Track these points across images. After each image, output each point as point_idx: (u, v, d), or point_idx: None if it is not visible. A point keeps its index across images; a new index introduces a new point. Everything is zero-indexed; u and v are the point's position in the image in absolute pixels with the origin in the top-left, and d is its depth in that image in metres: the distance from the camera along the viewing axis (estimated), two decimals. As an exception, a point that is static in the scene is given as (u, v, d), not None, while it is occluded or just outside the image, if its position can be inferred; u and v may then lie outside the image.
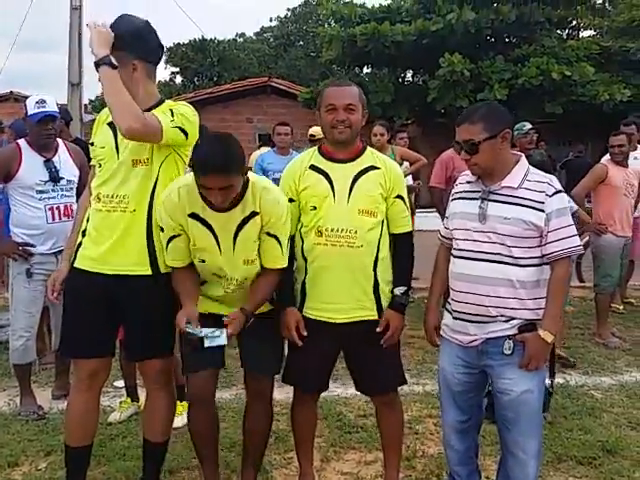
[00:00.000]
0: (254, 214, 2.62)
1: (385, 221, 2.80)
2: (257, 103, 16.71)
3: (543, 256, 2.48)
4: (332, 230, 2.68)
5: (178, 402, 3.80)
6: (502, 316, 2.49)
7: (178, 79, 30.42)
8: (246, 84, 17.04)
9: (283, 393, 4.00)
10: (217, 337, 2.54)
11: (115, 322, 2.80)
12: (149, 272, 2.69)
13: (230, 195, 2.51)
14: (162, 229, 2.66)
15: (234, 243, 2.64)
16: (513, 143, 6.12)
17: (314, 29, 24.15)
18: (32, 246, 3.87)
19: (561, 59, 13.08)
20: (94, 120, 2.92)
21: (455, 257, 2.61)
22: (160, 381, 2.84)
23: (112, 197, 2.67)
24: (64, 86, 12.82)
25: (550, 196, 2.45)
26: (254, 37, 32.89)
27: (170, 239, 2.65)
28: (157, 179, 2.68)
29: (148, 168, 2.67)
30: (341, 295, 2.72)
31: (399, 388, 2.97)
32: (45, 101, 3.89)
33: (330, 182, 2.72)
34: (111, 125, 2.69)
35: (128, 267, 2.68)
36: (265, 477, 3.16)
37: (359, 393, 3.96)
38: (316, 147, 2.86)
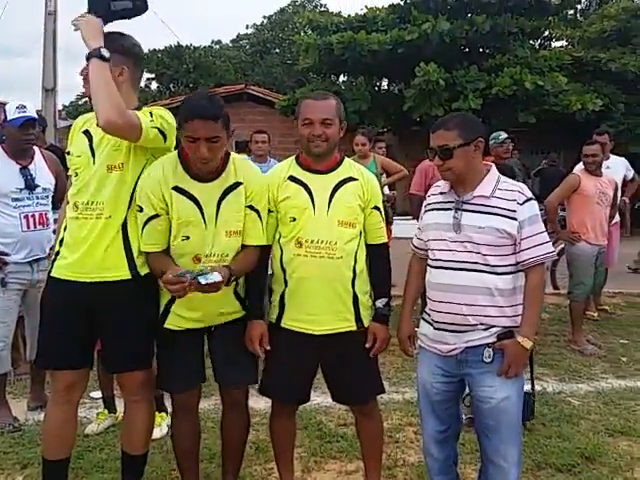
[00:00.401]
0: (237, 184, 2.66)
1: (362, 232, 2.81)
2: (234, 110, 16.61)
3: (517, 263, 2.52)
4: (312, 241, 2.68)
5: (157, 413, 3.77)
6: (481, 324, 2.50)
7: (154, 85, 30.21)
8: (222, 91, 16.98)
9: (262, 402, 4.00)
10: (213, 277, 2.46)
11: (93, 333, 2.75)
12: (128, 276, 2.67)
13: (215, 150, 2.52)
14: (141, 209, 2.62)
15: (217, 213, 2.63)
16: (488, 152, 6.24)
17: (290, 37, 24.22)
18: (6, 255, 3.81)
19: (534, 69, 13.24)
20: (69, 126, 2.92)
21: (432, 267, 2.63)
22: (140, 393, 2.81)
23: (88, 204, 2.65)
24: (36, 91, 12.69)
25: (521, 204, 2.49)
26: (230, 44, 32.83)
27: (148, 220, 2.62)
28: (132, 183, 2.66)
29: (122, 173, 2.65)
30: (321, 306, 2.71)
31: (378, 397, 2.97)
32: (25, 106, 3.86)
33: (310, 193, 2.72)
34: (86, 133, 2.70)
35: (106, 273, 2.65)
36: (246, 488, 3.14)
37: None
38: (293, 157, 2.85)
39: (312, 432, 3.76)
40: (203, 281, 2.44)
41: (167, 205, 2.61)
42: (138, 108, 2.70)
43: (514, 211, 2.48)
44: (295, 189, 2.74)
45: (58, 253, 2.73)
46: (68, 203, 2.76)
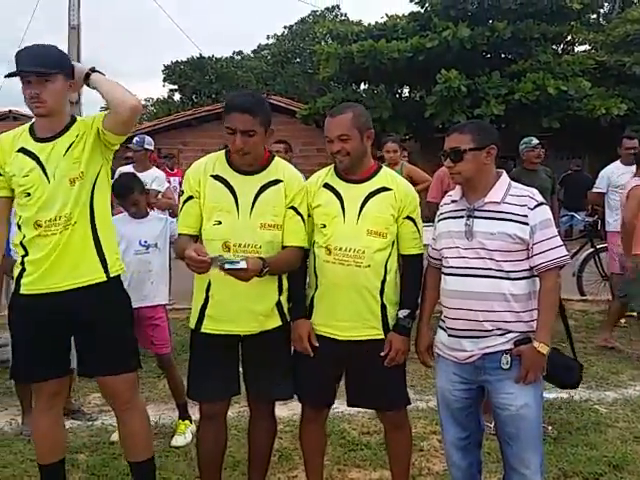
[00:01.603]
0: (277, 181, 2.75)
1: (395, 242, 2.81)
2: (255, 120, 16.77)
3: (531, 268, 2.51)
4: (340, 249, 2.71)
5: (181, 421, 3.80)
6: (498, 330, 2.50)
7: (176, 96, 30.56)
8: (244, 101, 17.11)
9: (286, 410, 4.01)
10: (237, 262, 2.50)
11: (67, 338, 2.77)
12: (104, 278, 2.71)
13: (251, 144, 2.63)
14: (182, 192, 2.82)
15: (253, 206, 2.70)
16: (500, 158, 6.13)
17: (311, 46, 24.33)
18: None
19: (557, 74, 13.17)
20: None
21: (446, 275, 2.63)
22: (129, 400, 2.81)
23: (54, 220, 2.64)
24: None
25: (532, 209, 2.49)
26: (252, 55, 33.05)
27: (185, 201, 2.77)
28: (93, 188, 2.72)
29: (83, 182, 2.69)
30: (348, 313, 2.73)
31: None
32: None
33: (341, 201, 2.75)
34: (25, 152, 2.67)
35: (80, 278, 2.67)
36: (270, 496, 3.14)
37: (362, 410, 4.00)
38: (332, 166, 2.88)
39: (335, 440, 3.75)
40: (227, 267, 2.48)
41: (200, 190, 2.72)
42: (73, 119, 2.76)
43: (525, 216, 2.48)
44: (328, 197, 2.79)
45: (21, 273, 2.70)
46: (20, 223, 2.70)
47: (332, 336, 2.76)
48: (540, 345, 2.45)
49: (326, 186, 2.81)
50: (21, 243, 2.69)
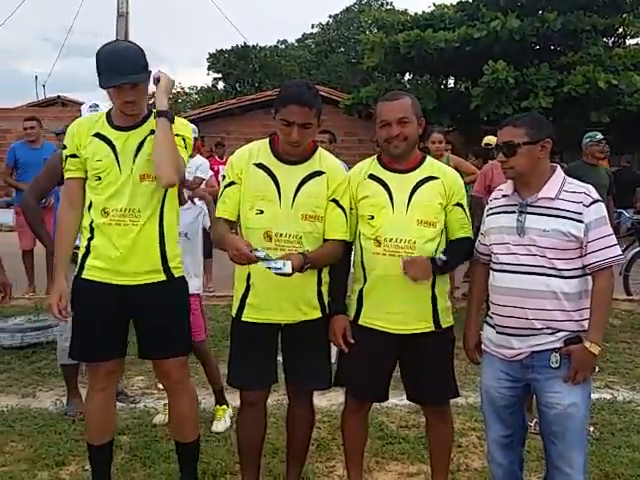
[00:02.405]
0: (320, 173, 2.76)
1: (444, 230, 2.79)
2: (298, 109, 16.78)
3: (584, 267, 2.46)
4: (391, 240, 2.69)
5: (218, 406, 3.84)
6: (548, 328, 2.46)
7: (220, 85, 30.74)
8: (287, 91, 17.12)
9: (324, 400, 4.03)
10: (280, 268, 2.50)
11: (126, 323, 2.85)
12: (164, 278, 2.78)
13: (306, 136, 2.66)
14: (223, 177, 2.86)
15: (295, 197, 2.71)
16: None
17: (355, 35, 24.19)
18: None
19: (607, 67, 12.82)
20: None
21: (496, 271, 2.59)
22: (181, 380, 2.89)
23: (123, 211, 2.71)
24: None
25: (587, 206, 2.43)
26: (296, 44, 33.07)
27: (226, 186, 2.80)
28: (165, 192, 2.77)
29: (155, 183, 2.74)
30: (399, 305, 2.72)
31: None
32: (98, 105, 3.98)
33: (389, 192, 2.74)
34: (100, 137, 2.73)
35: (142, 277, 2.75)
36: (307, 485, 3.16)
37: (400, 403, 4.00)
38: (375, 156, 2.87)
39: (374, 433, 3.75)
40: (273, 271, 2.50)
41: (242, 177, 2.75)
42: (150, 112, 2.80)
43: (580, 213, 2.42)
44: (374, 188, 2.77)
45: (86, 255, 2.78)
46: (89, 206, 2.77)
47: (383, 329, 2.75)
48: (592, 345, 2.40)
49: (372, 177, 2.79)
50: (90, 226, 2.77)
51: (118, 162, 2.72)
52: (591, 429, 3.76)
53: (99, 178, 2.73)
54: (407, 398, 2.98)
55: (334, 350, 2.99)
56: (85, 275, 2.78)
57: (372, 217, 2.74)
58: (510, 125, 2.54)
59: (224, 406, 3.89)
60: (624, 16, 14.60)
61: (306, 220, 2.72)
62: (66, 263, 2.85)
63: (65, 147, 2.82)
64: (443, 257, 2.73)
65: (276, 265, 2.50)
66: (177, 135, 2.77)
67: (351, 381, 2.86)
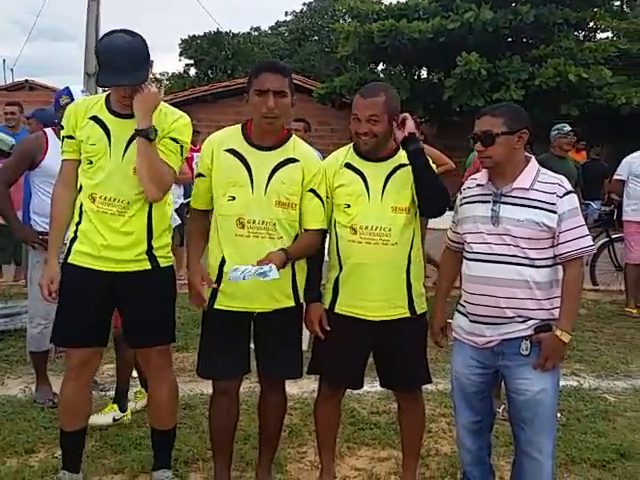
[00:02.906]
0: (293, 160, 2.74)
1: (418, 216, 2.81)
2: (272, 97, 16.71)
3: (556, 256, 2.50)
4: (366, 228, 2.71)
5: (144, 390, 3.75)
6: (519, 317, 2.50)
7: (192, 71, 30.42)
8: (260, 78, 17.00)
9: (295, 388, 4.06)
10: (267, 273, 2.51)
11: (110, 313, 2.85)
12: (148, 267, 2.76)
13: (282, 107, 2.64)
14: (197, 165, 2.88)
15: (268, 183, 2.70)
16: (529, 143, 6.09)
17: (329, 24, 24.12)
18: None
19: (578, 61, 12.98)
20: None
21: (469, 260, 2.63)
22: (163, 368, 2.89)
23: (110, 200, 2.69)
24: (79, 76, 12.91)
25: (561, 197, 2.48)
26: (269, 31, 32.85)
27: (197, 176, 2.83)
28: None
29: None
30: (375, 292, 2.74)
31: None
32: (84, 91, 3.94)
33: (365, 181, 2.75)
34: (96, 120, 2.70)
35: (127, 264, 2.73)
36: (280, 470, 3.18)
37: (372, 390, 4.04)
38: (351, 145, 2.87)
39: (345, 419, 3.77)
40: (260, 278, 2.51)
41: (213, 164, 2.73)
42: None
43: (554, 204, 2.46)
44: (350, 176, 2.78)
45: (74, 240, 2.76)
46: (80, 189, 2.75)
47: (359, 316, 2.77)
48: (562, 334, 2.45)
49: (347, 166, 2.80)
50: (80, 209, 2.74)
51: (110, 148, 2.68)
52: (558, 415, 3.83)
53: (90, 162, 2.70)
54: (380, 384, 3.02)
55: (306, 338, 3.00)
56: (71, 260, 2.76)
57: (348, 205, 2.75)
58: (489, 115, 2.55)
59: (115, 405, 3.74)
60: (595, 10, 14.81)
61: (279, 207, 2.71)
62: (58, 245, 2.82)
63: (62, 128, 2.79)
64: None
65: (262, 271, 2.51)
66: (174, 139, 2.72)
67: (327, 369, 2.87)
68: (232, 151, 2.72)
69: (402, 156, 2.79)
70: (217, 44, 27.93)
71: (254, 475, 3.06)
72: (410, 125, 2.71)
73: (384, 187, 2.73)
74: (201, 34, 28.58)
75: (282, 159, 2.73)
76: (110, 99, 2.74)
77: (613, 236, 7.46)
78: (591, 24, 16.94)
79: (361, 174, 2.76)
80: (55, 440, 3.39)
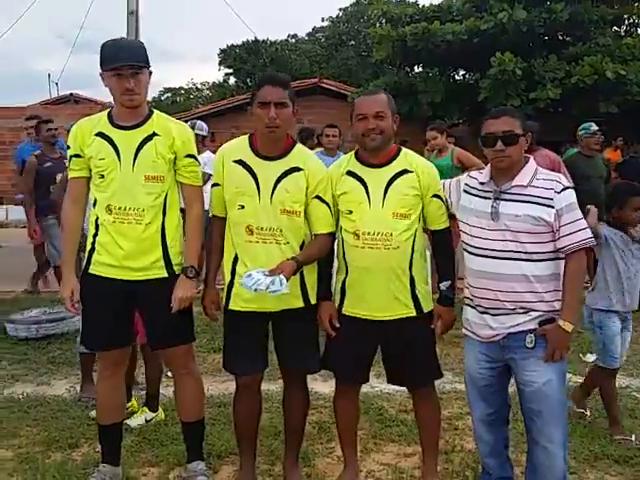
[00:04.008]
0: (297, 169, 2.86)
1: (420, 221, 2.92)
2: (307, 103, 16.86)
3: (557, 250, 2.60)
4: (368, 233, 2.82)
5: (144, 407, 3.89)
6: (520, 308, 2.61)
7: (231, 80, 30.90)
8: (296, 85, 17.20)
9: (327, 387, 4.17)
10: (277, 289, 2.65)
11: (132, 315, 3.03)
12: (165, 274, 2.92)
13: (283, 117, 2.78)
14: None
15: (273, 192, 2.83)
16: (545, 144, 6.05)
17: (366, 28, 24.19)
18: None
19: (616, 57, 12.77)
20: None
21: (469, 253, 2.75)
22: (186, 366, 3.07)
23: (126, 210, 2.84)
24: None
25: (559, 193, 2.59)
26: (306, 38, 33.09)
27: (213, 186, 2.98)
28: (167, 193, 2.91)
29: (161, 185, 2.88)
30: (380, 295, 2.85)
31: (441, 386, 3.08)
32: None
33: (366, 187, 2.86)
34: (103, 136, 2.85)
35: (145, 272, 2.89)
36: (308, 464, 3.31)
37: (400, 389, 4.12)
38: (353, 152, 2.99)
39: (373, 416, 3.90)
40: (271, 294, 2.65)
41: (223, 175, 2.90)
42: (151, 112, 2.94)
43: (551, 199, 2.57)
44: (352, 184, 2.89)
45: (92, 251, 2.92)
46: (94, 203, 2.91)
47: (365, 317, 2.89)
48: (565, 323, 2.55)
49: (349, 173, 2.91)
50: (96, 222, 2.91)
51: (120, 161, 2.83)
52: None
53: (102, 176, 2.85)
54: (388, 381, 3.13)
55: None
56: (92, 270, 2.93)
57: (350, 212, 2.87)
58: (508, 115, 2.67)
59: (145, 408, 3.90)
60: (634, 5, 14.55)
61: (285, 214, 2.85)
62: (73, 259, 3.00)
63: (69, 147, 2.96)
64: (446, 284, 2.92)
65: (273, 288, 2.64)
66: (190, 156, 2.95)
67: (337, 366, 3.01)
68: (240, 162, 2.87)
69: (402, 160, 2.90)
70: (255, 53, 28.30)
71: (282, 468, 3.20)
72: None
73: (385, 194, 2.84)
74: (239, 43, 29.01)
75: (287, 168, 2.86)
76: (112, 113, 2.91)
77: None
78: (630, 20, 16.66)
79: (362, 181, 2.87)
80: (97, 436, 3.58)
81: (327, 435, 3.65)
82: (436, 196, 2.91)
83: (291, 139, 2.95)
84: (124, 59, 2.75)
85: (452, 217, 2.96)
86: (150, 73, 2.89)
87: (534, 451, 2.67)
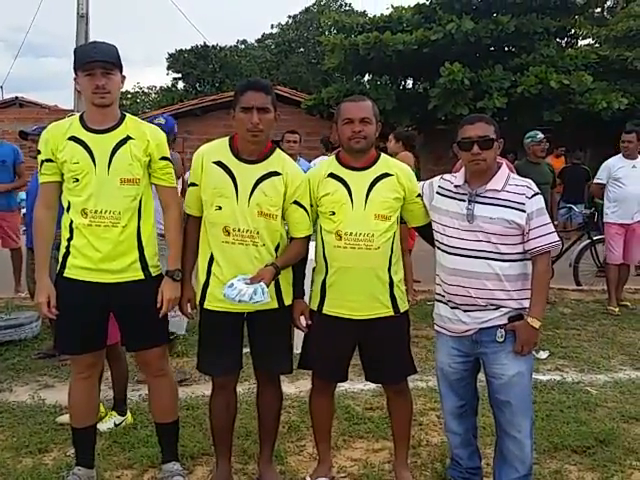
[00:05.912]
0: (276, 173, 2.93)
1: (398, 223, 3.03)
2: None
3: (526, 252, 2.76)
4: (351, 234, 2.91)
5: (112, 411, 3.87)
6: (491, 305, 2.76)
7: (180, 85, 30.62)
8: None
9: (292, 387, 4.26)
10: (260, 300, 2.73)
11: (106, 318, 3.02)
12: (142, 277, 2.95)
13: (266, 122, 2.84)
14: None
15: (251, 194, 2.89)
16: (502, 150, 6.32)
17: (316, 36, 24.42)
18: None
19: (560, 68, 13.32)
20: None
21: (443, 252, 2.87)
22: (160, 368, 3.09)
23: (102, 212, 2.85)
24: (69, 89, 13.06)
25: (530, 198, 2.75)
26: (256, 44, 33.12)
27: (189, 185, 3.01)
28: (142, 196, 2.94)
29: (137, 187, 2.90)
30: (360, 294, 2.94)
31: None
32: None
33: (348, 189, 2.95)
34: (76, 140, 2.86)
35: (122, 275, 2.91)
36: (280, 462, 3.37)
37: (365, 388, 4.25)
38: (334, 156, 3.09)
39: (341, 415, 3.98)
40: (255, 305, 2.75)
41: (202, 175, 2.93)
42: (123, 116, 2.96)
43: (523, 204, 2.73)
44: (334, 185, 2.98)
45: (67, 255, 2.92)
46: (68, 207, 2.90)
47: (345, 316, 2.97)
48: (533, 320, 2.71)
49: (332, 175, 3.00)
50: (70, 226, 2.90)
51: (95, 164, 2.84)
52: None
53: (77, 180, 2.85)
54: (366, 379, 3.22)
55: (300, 338, 3.20)
56: (67, 274, 2.92)
57: (333, 213, 2.95)
58: (483, 121, 2.81)
59: (114, 412, 3.87)
60: (576, 18, 15.18)
61: (262, 217, 2.91)
62: (47, 263, 2.97)
63: (39, 152, 2.93)
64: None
65: (255, 299, 2.72)
66: (164, 158, 2.98)
67: (317, 365, 3.09)
68: (219, 163, 2.92)
69: (383, 164, 3.01)
70: (204, 57, 28.15)
71: (256, 467, 3.26)
72: None
73: (367, 196, 2.93)
74: (188, 48, 28.81)
75: (265, 172, 2.92)
76: (84, 117, 2.92)
77: (595, 238, 7.69)
78: (572, 31, 17.35)
79: (344, 182, 2.96)
80: (66, 440, 3.57)
81: (297, 434, 3.72)
82: (419, 196, 3.05)
83: (271, 143, 3.01)
84: (96, 56, 2.78)
85: (402, 222, 3.10)
86: (123, 78, 2.92)
87: (504, 441, 2.81)
